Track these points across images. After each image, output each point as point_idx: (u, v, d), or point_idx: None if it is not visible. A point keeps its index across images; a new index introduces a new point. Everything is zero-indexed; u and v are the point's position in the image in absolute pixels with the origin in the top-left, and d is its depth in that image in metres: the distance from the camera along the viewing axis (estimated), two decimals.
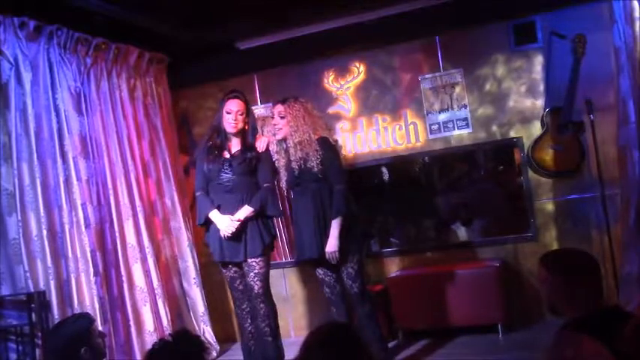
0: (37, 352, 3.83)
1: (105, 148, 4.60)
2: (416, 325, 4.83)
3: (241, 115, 4.07)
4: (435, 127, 5.16)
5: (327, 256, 3.88)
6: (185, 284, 5.21)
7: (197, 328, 5.15)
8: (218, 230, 4.02)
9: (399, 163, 5.36)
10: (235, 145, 4.12)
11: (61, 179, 4.18)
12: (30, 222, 4.02)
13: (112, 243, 4.52)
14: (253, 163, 4.07)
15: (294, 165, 3.98)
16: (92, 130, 4.51)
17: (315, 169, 3.92)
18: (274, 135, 4.14)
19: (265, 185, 4.07)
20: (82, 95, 4.46)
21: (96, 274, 4.22)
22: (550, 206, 4.91)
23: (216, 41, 5.26)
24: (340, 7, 4.87)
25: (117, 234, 4.54)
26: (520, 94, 4.96)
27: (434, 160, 5.33)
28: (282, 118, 4.01)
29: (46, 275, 3.99)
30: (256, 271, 4.00)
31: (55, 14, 4.22)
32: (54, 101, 4.24)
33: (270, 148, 4.17)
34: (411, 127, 5.22)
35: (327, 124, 4.33)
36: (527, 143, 4.87)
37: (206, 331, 5.17)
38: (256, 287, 4.00)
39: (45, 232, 4.02)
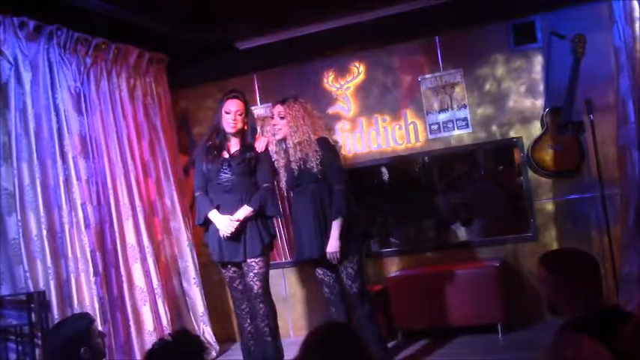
0: (37, 352, 3.83)
1: (105, 148, 4.60)
2: (415, 325, 4.83)
3: (240, 115, 4.08)
4: (434, 127, 5.16)
5: (327, 256, 3.88)
6: (185, 284, 5.21)
7: (197, 328, 5.14)
8: (217, 230, 4.01)
9: (399, 163, 5.36)
10: (234, 145, 4.12)
11: (61, 179, 4.18)
12: (30, 222, 4.02)
13: (112, 243, 4.52)
14: (252, 163, 4.07)
15: (294, 165, 3.98)
16: (92, 130, 4.51)
17: (315, 170, 3.92)
18: (274, 135, 4.13)
19: (265, 185, 4.07)
20: (82, 95, 4.46)
21: (96, 274, 4.22)
22: (550, 206, 4.91)
23: (216, 41, 5.26)
24: (340, 7, 4.87)
25: (117, 234, 4.54)
26: (520, 94, 4.96)
27: (434, 160, 5.33)
28: (281, 118, 4.00)
29: (45, 275, 3.99)
30: (256, 271, 4.00)
31: (55, 14, 4.22)
32: (54, 101, 4.24)
33: (270, 149, 4.17)
34: (411, 127, 5.22)
35: (327, 125, 4.34)
36: (527, 143, 4.86)
37: (206, 331, 5.17)
38: (256, 287, 4.00)
39: (45, 232, 4.02)
